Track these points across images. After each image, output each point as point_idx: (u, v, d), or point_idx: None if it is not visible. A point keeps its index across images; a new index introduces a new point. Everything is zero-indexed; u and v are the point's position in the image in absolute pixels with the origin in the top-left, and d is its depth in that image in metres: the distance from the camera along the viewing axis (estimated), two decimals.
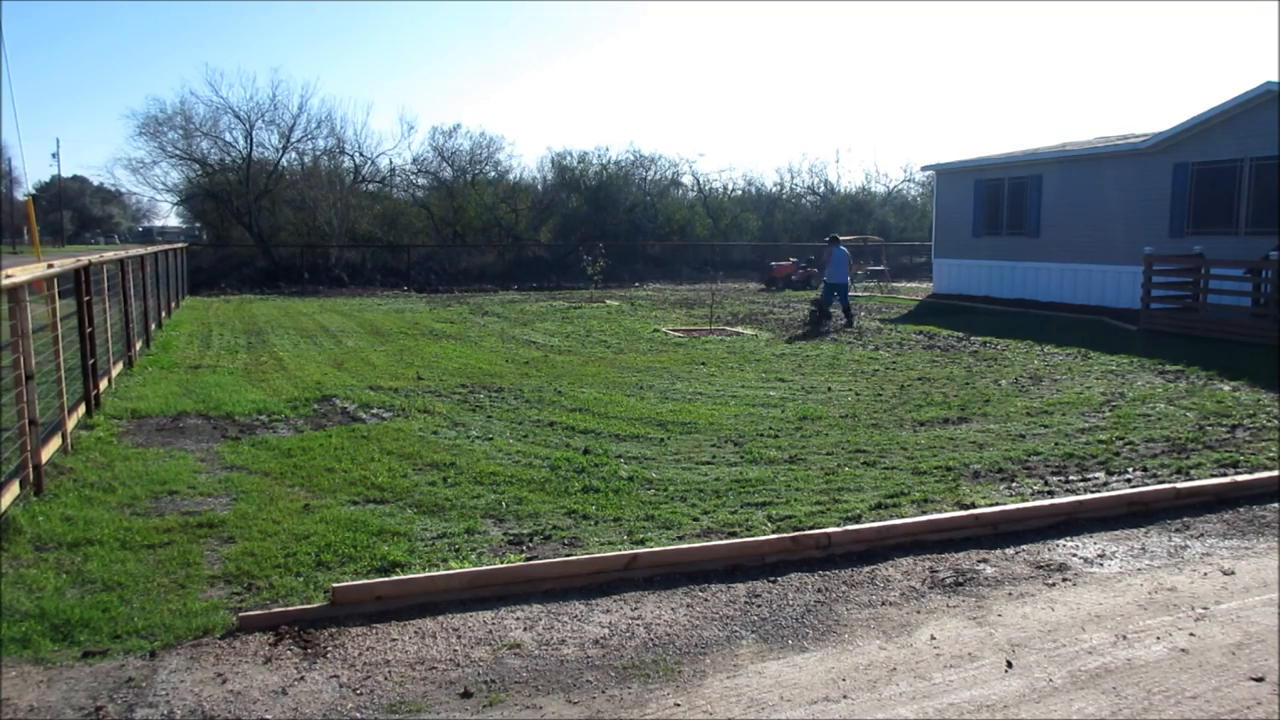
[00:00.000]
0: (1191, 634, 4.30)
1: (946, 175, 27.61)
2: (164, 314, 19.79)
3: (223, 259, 37.49)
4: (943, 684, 3.81)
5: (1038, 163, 24.21)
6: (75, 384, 8.62)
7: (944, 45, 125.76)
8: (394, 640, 4.20)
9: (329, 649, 4.10)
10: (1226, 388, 11.23)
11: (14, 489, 5.96)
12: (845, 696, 3.70)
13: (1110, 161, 22.10)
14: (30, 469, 6.24)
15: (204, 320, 20.49)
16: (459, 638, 4.23)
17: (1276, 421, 9.21)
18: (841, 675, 3.89)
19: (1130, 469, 7.39)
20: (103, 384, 10.03)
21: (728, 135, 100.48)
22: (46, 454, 6.86)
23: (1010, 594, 4.83)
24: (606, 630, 4.33)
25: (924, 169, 30.52)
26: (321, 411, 9.84)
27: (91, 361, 8.90)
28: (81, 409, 8.75)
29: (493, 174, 43.84)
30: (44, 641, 4.14)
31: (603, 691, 3.73)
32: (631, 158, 45.83)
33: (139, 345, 13.71)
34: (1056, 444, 8.30)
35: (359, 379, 11.97)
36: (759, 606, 4.64)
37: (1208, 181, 19.67)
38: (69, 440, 7.69)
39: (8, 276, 5.91)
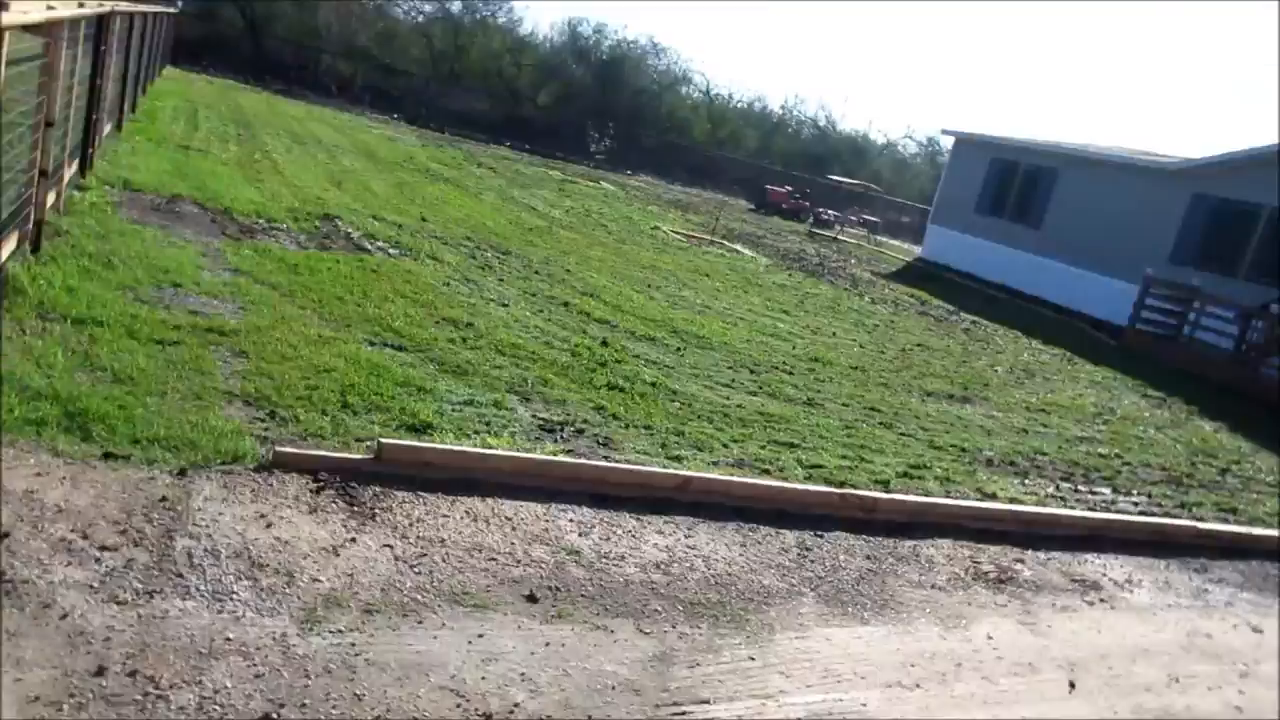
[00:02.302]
0: (1241, 691, 4.25)
1: (964, 144, 27.13)
2: (147, 80, 18.44)
3: (207, 35, 35.14)
4: (1010, 692, 3.67)
5: (1058, 155, 23.87)
6: (76, 137, 7.86)
7: (968, 20, 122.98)
8: (445, 517, 3.88)
9: (377, 511, 3.76)
10: (1208, 427, 11.34)
11: (13, 241, 5.37)
12: (918, 685, 3.54)
13: (1132, 173, 21.89)
14: (31, 223, 5.64)
15: (188, 96, 19.19)
16: (513, 529, 3.93)
17: (1266, 475, 9.32)
18: (909, 660, 3.72)
19: (1134, 491, 7.40)
20: (95, 144, 9.21)
21: (743, 58, 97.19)
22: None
23: (1054, 605, 4.72)
24: (665, 555, 4.08)
25: (945, 132, 29.88)
26: (325, 231, 9.25)
27: (95, 117, 8.11)
28: (75, 166, 8.01)
29: (503, 20, 41.77)
30: (59, 433, 3.71)
31: (673, 626, 3.49)
32: (647, 43, 44.16)
33: (126, 108, 12.70)
34: (1060, 448, 8.27)
35: (361, 204, 11.31)
36: (812, 563, 4.43)
37: (1224, 218, 19.62)
38: (63, 198, 7.02)
39: (49, 8, 5.17)
